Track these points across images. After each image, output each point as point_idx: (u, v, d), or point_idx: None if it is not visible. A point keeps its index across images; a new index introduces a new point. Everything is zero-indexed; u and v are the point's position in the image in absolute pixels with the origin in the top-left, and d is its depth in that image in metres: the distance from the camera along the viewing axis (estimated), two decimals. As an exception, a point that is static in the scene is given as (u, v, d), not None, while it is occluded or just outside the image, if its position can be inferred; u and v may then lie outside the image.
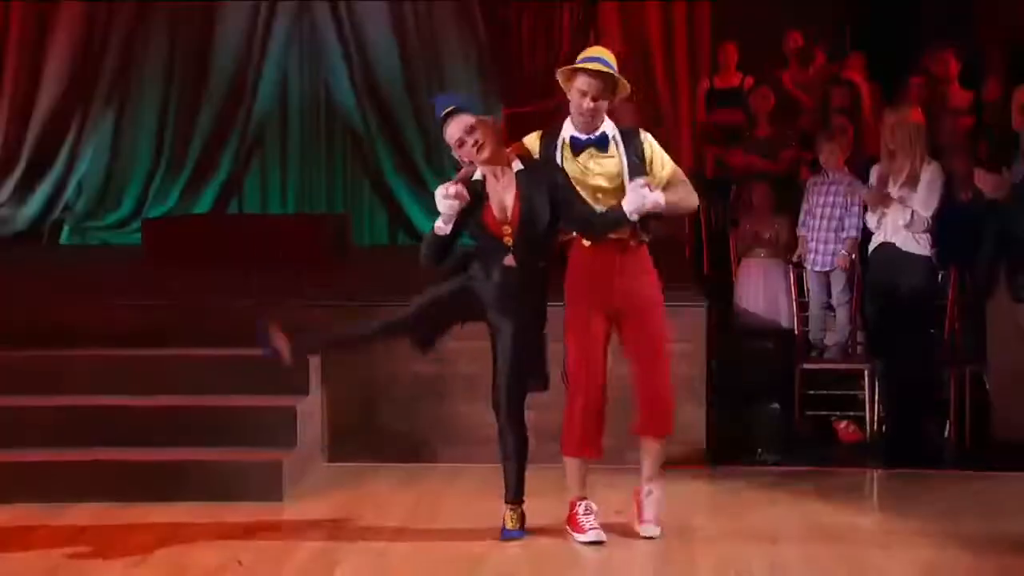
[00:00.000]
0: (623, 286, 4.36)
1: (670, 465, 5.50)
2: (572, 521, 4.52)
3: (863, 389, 6.03)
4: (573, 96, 4.31)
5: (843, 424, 6.14)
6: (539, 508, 4.64)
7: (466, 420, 5.58)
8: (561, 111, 7.37)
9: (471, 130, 4.31)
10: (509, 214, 4.33)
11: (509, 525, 4.52)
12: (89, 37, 9.26)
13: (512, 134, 7.29)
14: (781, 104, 7.99)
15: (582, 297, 4.38)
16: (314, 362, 5.48)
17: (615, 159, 4.32)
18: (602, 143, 4.32)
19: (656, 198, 4.21)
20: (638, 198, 4.19)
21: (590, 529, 4.46)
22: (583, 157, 4.32)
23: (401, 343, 4.65)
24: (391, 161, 9.49)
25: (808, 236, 6.44)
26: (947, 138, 6.62)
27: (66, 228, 9.31)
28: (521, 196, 4.30)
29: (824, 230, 6.37)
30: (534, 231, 4.31)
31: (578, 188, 4.31)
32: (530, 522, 4.61)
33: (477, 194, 4.35)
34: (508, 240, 4.34)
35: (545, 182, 4.29)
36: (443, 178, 9.38)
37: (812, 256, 6.40)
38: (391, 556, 4.41)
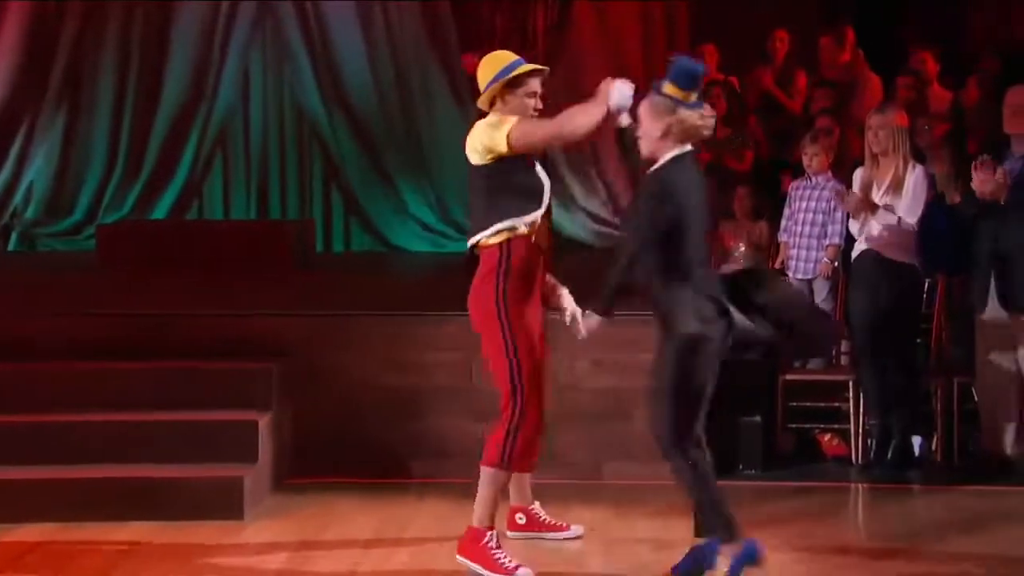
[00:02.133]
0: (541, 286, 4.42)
1: (648, 480, 5.54)
2: (481, 555, 4.29)
3: (847, 401, 6.06)
4: (522, 100, 4.36)
5: (827, 437, 6.17)
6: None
7: (437, 434, 5.59)
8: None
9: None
10: None
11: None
12: (38, 36, 9.18)
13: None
14: (759, 105, 8.05)
15: (525, 300, 4.33)
16: (276, 374, 5.48)
17: None
18: None
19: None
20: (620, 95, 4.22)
21: (516, 567, 4.29)
22: None
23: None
24: (358, 166, 9.48)
25: (790, 243, 6.47)
26: (924, 142, 6.68)
27: (14, 235, 9.23)
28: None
29: (806, 236, 6.40)
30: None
31: None
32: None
33: None
34: None
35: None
36: (415, 186, 9.50)
37: (794, 263, 6.43)
38: (360, 571, 4.39)
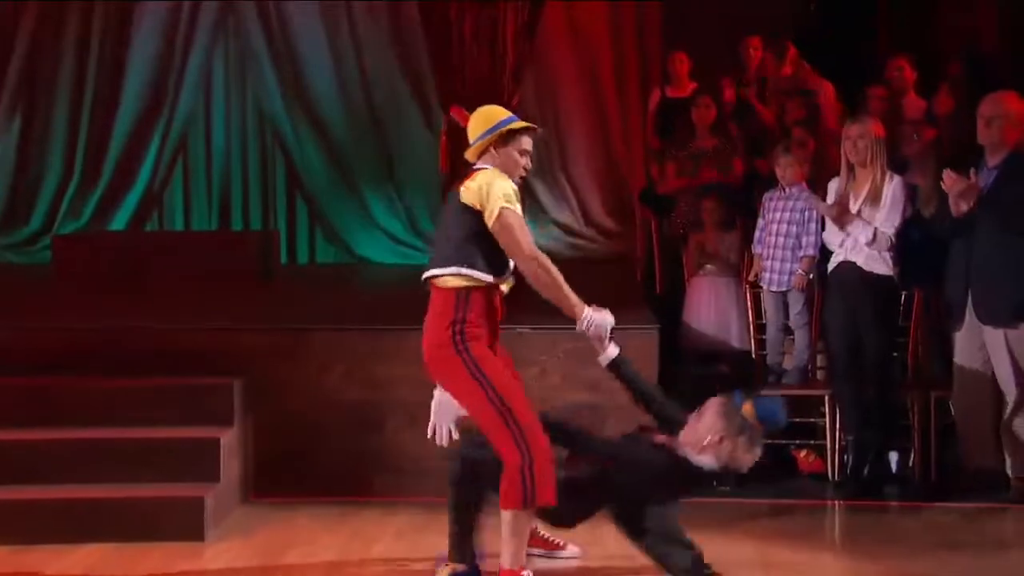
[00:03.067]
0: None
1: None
2: None
3: (823, 416, 6.07)
4: (512, 156, 4.37)
5: (802, 453, 6.17)
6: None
7: (403, 451, 5.55)
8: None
9: None
10: None
11: None
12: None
13: (453, 142, 7.37)
14: (733, 113, 8.06)
15: (488, 345, 4.31)
16: (238, 389, 5.42)
17: None
18: None
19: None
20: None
21: None
22: None
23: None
24: (324, 175, 9.42)
25: (763, 254, 6.48)
26: (912, 151, 6.70)
27: (-35, 246, 9.12)
28: None
29: (780, 248, 6.41)
30: None
31: None
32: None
33: None
34: None
35: None
36: (382, 196, 9.46)
37: (768, 275, 6.44)
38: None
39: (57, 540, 4.84)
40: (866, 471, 5.82)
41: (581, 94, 9.33)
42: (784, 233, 6.39)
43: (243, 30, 9.38)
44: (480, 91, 7.34)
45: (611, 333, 4.38)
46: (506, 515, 4.26)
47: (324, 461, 5.55)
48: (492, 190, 4.26)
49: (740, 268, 6.81)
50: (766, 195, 6.58)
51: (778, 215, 6.42)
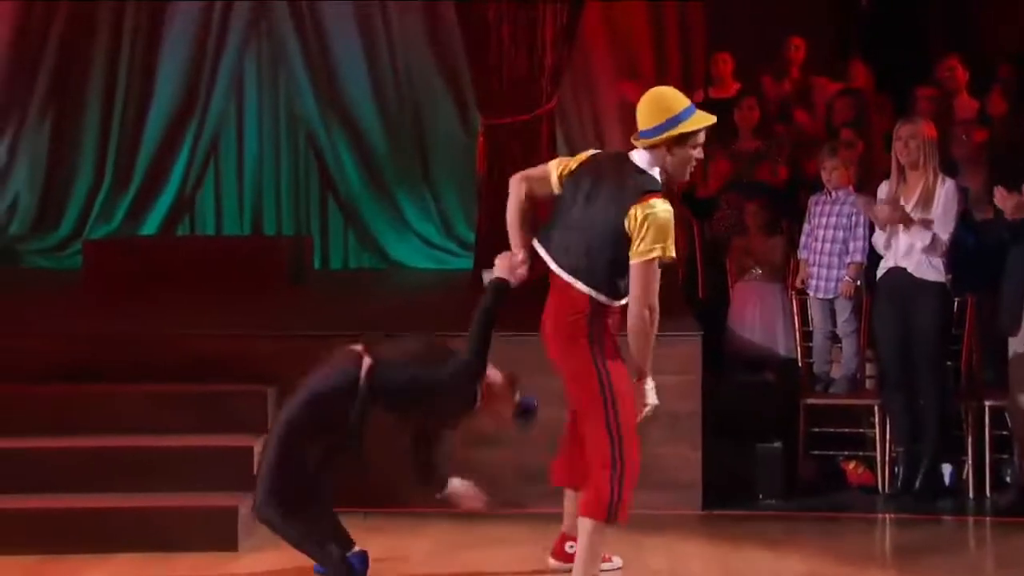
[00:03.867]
0: None
1: (662, 510, 5.48)
2: None
3: (873, 427, 6.01)
4: (687, 152, 4.24)
5: (851, 465, 6.11)
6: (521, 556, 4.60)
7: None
8: (541, 122, 7.41)
9: None
10: None
11: None
12: (22, 40, 9.16)
13: (491, 146, 7.36)
14: (777, 115, 8.01)
15: (615, 354, 4.31)
16: (271, 396, 5.43)
17: None
18: None
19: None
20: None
21: None
22: None
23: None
24: (358, 178, 9.44)
25: (810, 260, 6.43)
26: (962, 153, 6.62)
27: (-4, 251, 9.19)
28: None
29: (827, 254, 6.36)
30: None
31: None
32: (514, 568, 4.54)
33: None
34: None
35: None
36: (416, 199, 9.46)
37: (814, 282, 6.39)
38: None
39: (88, 550, 4.86)
40: (918, 484, 5.76)
41: (621, 95, 9.30)
42: (831, 239, 6.34)
43: (276, 32, 9.42)
44: (517, 93, 7.33)
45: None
46: (586, 524, 4.22)
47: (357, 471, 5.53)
48: (651, 233, 4.14)
49: (786, 274, 6.76)
50: (812, 199, 6.53)
51: (825, 220, 6.37)
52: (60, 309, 6.96)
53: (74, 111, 9.29)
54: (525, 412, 4.42)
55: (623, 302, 4.26)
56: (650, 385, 4.29)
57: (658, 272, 4.21)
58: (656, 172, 4.25)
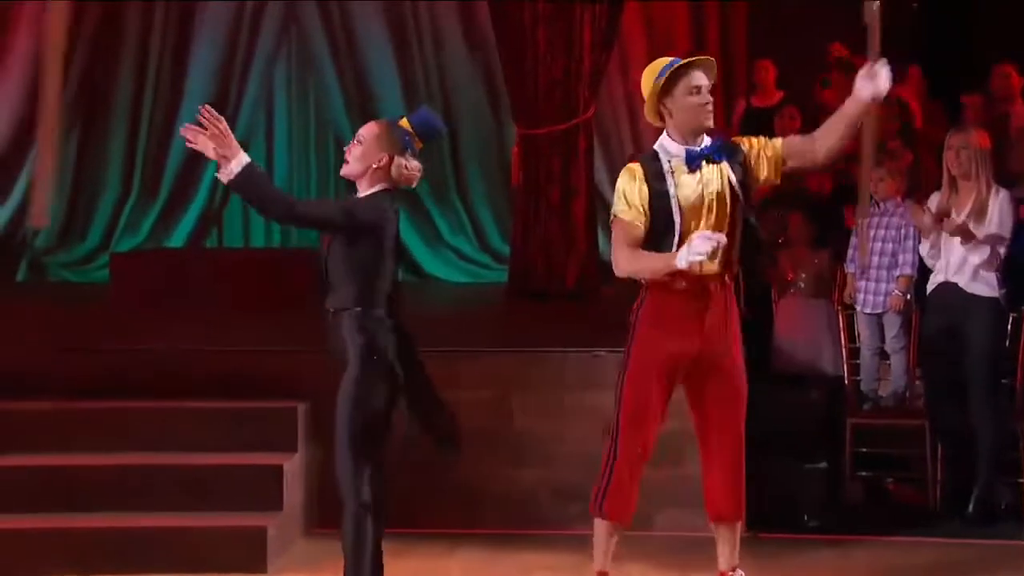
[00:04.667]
0: (710, 333, 4.26)
1: (703, 531, 5.44)
2: None
3: (922, 447, 5.94)
4: (686, 99, 4.19)
5: (900, 486, 6.05)
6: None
7: (470, 482, 5.51)
8: (578, 132, 7.39)
9: (359, 140, 4.30)
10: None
11: None
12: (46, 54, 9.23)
13: (526, 157, 7.35)
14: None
15: (656, 346, 4.24)
16: (302, 413, 5.43)
17: (724, 170, 4.22)
18: (717, 151, 4.21)
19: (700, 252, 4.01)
20: (696, 252, 4.01)
21: None
22: (697, 174, 4.19)
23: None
24: (389, 190, 9.45)
25: (857, 274, 6.38)
26: (1020, 164, 6.55)
27: (23, 264, 9.25)
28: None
29: (875, 267, 6.32)
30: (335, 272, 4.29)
31: (688, 214, 4.17)
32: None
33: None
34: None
35: None
36: (447, 209, 9.48)
37: (862, 296, 6.35)
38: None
39: (117, 569, 4.89)
40: (971, 507, 5.69)
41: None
42: (880, 251, 6.30)
43: (306, 38, 9.46)
44: (554, 100, 7.33)
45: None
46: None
47: (390, 491, 5.52)
48: (616, 193, 4.24)
49: (832, 288, 6.71)
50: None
51: (873, 232, 6.33)
52: (88, 323, 7.00)
53: (101, 122, 9.38)
54: (424, 127, 4.34)
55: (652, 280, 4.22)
56: (680, 255, 4.05)
57: (625, 234, 4.17)
58: (665, 142, 4.26)
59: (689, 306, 4.21)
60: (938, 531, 5.65)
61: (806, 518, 5.74)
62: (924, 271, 6.01)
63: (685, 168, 4.20)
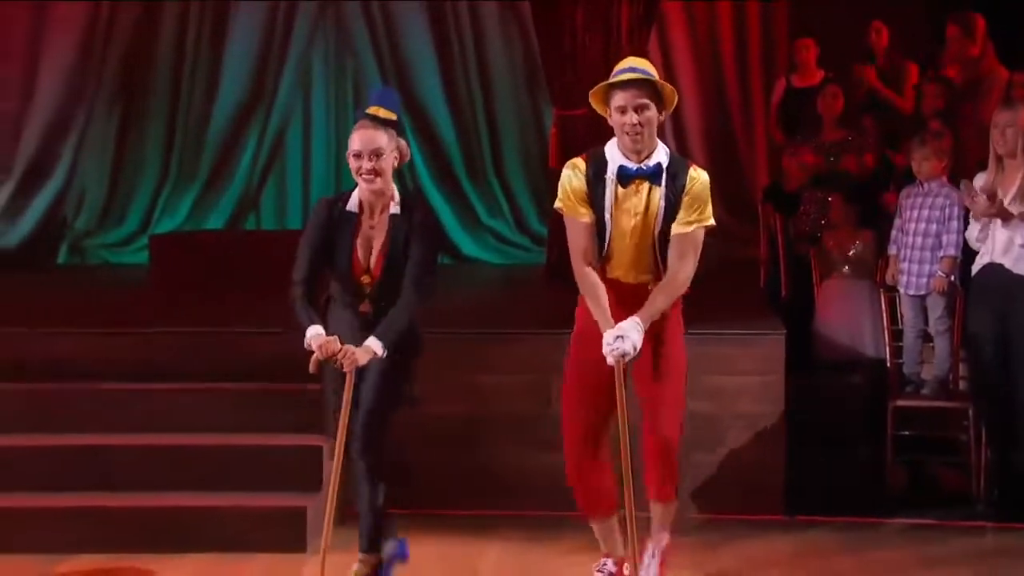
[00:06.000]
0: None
1: (744, 515, 5.46)
2: None
3: (966, 431, 5.92)
4: (614, 118, 4.18)
5: (943, 471, 6.03)
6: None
7: (505, 466, 5.54)
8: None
9: (377, 153, 4.31)
10: (373, 261, 4.36)
11: None
12: (90, 36, 9.32)
13: (564, 138, 7.35)
14: (865, 104, 7.91)
15: (588, 345, 4.24)
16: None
17: (658, 193, 4.20)
18: (655, 176, 4.18)
19: (629, 346, 4.09)
20: (606, 348, 4.11)
21: None
22: (630, 189, 4.20)
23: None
24: (427, 173, 9.49)
25: (900, 255, 6.35)
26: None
27: (64, 246, 9.37)
28: (390, 243, 4.34)
29: (919, 248, 6.27)
30: (394, 280, 4.34)
31: (616, 224, 4.22)
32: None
33: (347, 223, 4.36)
34: (367, 287, 4.37)
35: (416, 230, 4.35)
36: (485, 192, 9.50)
37: (905, 278, 6.31)
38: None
39: (159, 549, 4.95)
40: (1016, 491, 5.66)
41: (700, 84, 9.25)
42: (923, 232, 6.25)
43: (344, 23, 9.49)
44: (592, 82, 7.30)
45: None
46: None
47: (427, 473, 5.57)
48: (560, 184, 4.30)
49: (875, 270, 6.68)
50: (903, 191, 6.45)
51: (916, 213, 6.29)
52: (128, 305, 7.09)
53: (141, 107, 9.44)
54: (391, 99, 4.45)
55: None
56: (606, 338, 4.15)
57: (571, 228, 4.24)
58: (611, 149, 4.24)
59: (617, 310, 4.20)
60: (982, 516, 5.64)
61: (847, 502, 5.73)
62: (968, 251, 5.97)
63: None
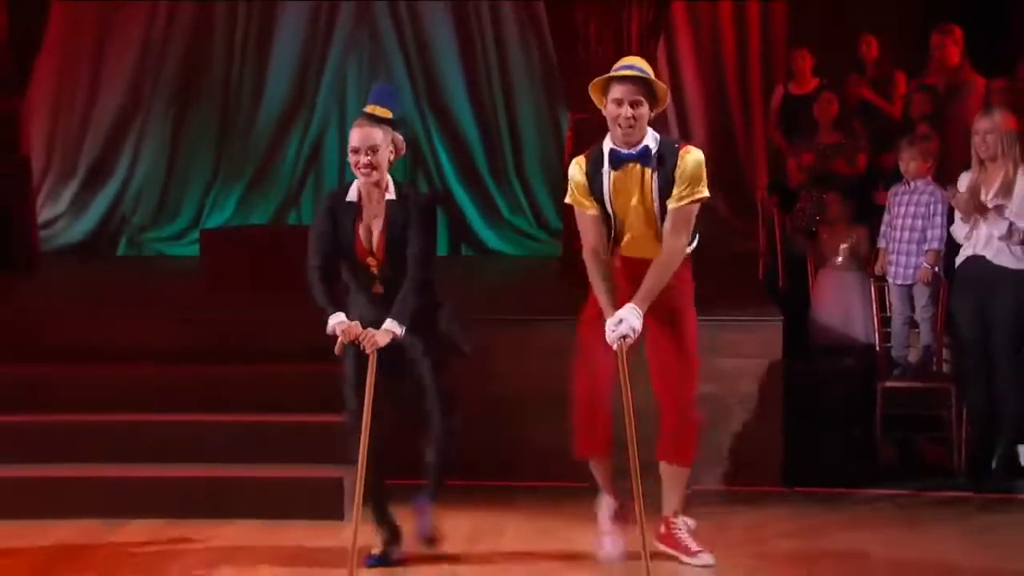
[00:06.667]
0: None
1: (746, 487, 5.47)
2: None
3: (950, 409, 5.91)
4: (609, 108, 4.28)
5: (927, 445, 6.02)
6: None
7: (530, 442, 5.54)
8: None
9: (373, 149, 4.34)
10: (375, 244, 4.39)
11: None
12: (148, 43, 9.35)
13: (579, 141, 7.35)
14: (857, 110, 7.90)
15: (599, 321, 4.32)
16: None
17: (649, 173, 4.28)
18: (644, 157, 4.27)
19: (628, 329, 4.18)
20: (609, 333, 4.21)
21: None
22: (622, 171, 4.28)
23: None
24: (454, 172, 9.51)
25: (888, 248, 6.35)
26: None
27: (123, 240, 9.42)
28: (389, 226, 4.37)
29: (905, 242, 6.26)
30: (397, 260, 4.37)
31: (617, 206, 4.31)
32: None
33: (348, 212, 4.41)
34: (374, 269, 4.41)
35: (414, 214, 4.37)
36: (507, 190, 9.50)
37: (893, 269, 6.30)
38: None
39: (206, 515, 5.00)
40: (994, 464, 5.65)
41: (703, 88, 9.24)
42: (909, 227, 6.24)
43: (377, 34, 9.49)
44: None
45: None
46: None
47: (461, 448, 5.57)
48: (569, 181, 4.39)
49: (866, 262, 6.68)
50: (891, 190, 6.45)
51: (903, 209, 6.28)
52: (182, 294, 7.13)
53: (193, 109, 9.46)
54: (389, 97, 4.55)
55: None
56: (607, 324, 4.25)
57: (580, 218, 4.36)
58: (607, 141, 4.33)
59: (627, 285, 4.30)
60: (962, 486, 5.63)
61: (840, 475, 5.73)
62: (951, 245, 5.96)
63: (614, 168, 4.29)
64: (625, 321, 4.18)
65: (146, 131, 9.39)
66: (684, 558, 4.49)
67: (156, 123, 9.42)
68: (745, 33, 9.20)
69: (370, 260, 4.39)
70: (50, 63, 8.57)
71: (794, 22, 8.89)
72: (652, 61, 7.54)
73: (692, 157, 4.27)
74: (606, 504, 4.58)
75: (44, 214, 9.03)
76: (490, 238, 9.39)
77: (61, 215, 9.31)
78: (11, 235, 7.54)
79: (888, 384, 6.09)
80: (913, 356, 6.28)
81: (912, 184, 6.28)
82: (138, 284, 7.75)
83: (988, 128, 5.59)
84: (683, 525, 4.52)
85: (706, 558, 4.47)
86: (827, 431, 6.18)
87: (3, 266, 7.42)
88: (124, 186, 9.37)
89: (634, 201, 4.29)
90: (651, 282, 4.24)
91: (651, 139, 4.29)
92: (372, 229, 4.39)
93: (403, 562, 4.53)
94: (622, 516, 4.57)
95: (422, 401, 4.45)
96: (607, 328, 4.21)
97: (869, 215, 6.95)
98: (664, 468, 4.49)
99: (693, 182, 4.25)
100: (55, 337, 5.81)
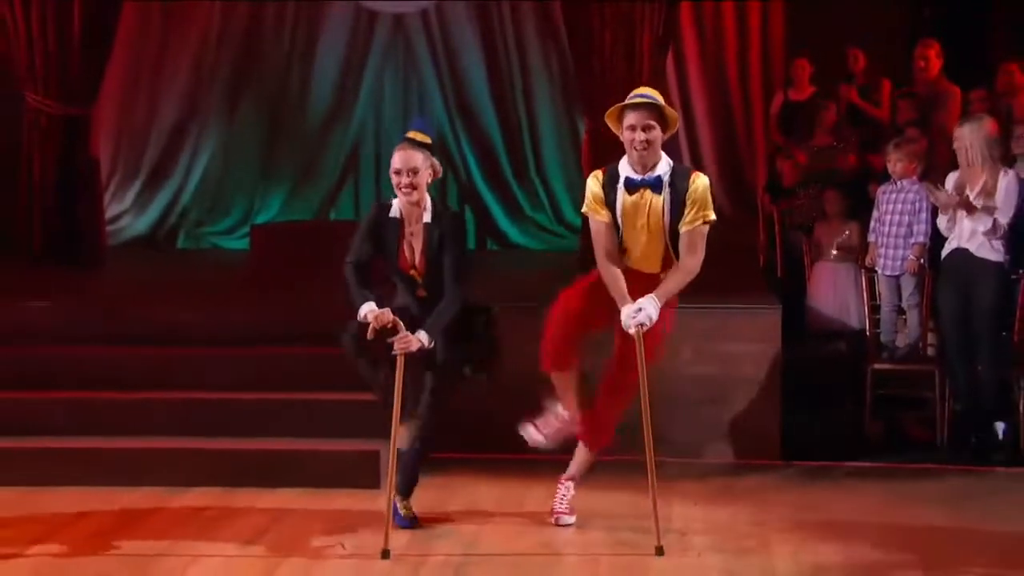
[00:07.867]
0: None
1: (747, 460, 5.45)
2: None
3: (934, 390, 5.87)
4: (625, 134, 4.27)
5: (913, 423, 5.98)
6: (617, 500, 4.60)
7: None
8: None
9: (414, 171, 4.35)
10: (417, 260, 4.44)
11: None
12: (204, 45, 9.34)
13: (595, 147, 7.33)
14: (848, 115, 7.86)
15: (596, 288, 4.36)
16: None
17: (661, 199, 4.28)
18: (656, 186, 4.27)
19: (645, 317, 4.18)
20: (628, 319, 4.21)
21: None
22: (635, 196, 4.29)
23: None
24: (479, 172, 9.50)
25: (878, 242, 6.31)
26: (1019, 147, 6.39)
27: (181, 233, 9.46)
28: (427, 247, 4.40)
29: (893, 236, 6.24)
30: (437, 271, 4.41)
31: (626, 224, 4.30)
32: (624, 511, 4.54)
33: (393, 227, 4.44)
34: (417, 278, 4.47)
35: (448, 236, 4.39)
36: (528, 188, 9.47)
37: (882, 261, 6.28)
38: (482, 540, 4.43)
39: (257, 484, 5.03)
40: (974, 439, 5.61)
41: (707, 93, 9.21)
42: (897, 223, 6.22)
43: (410, 44, 9.47)
44: (618, 96, 7.25)
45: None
46: None
47: (486, 424, 5.57)
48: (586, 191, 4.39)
49: (858, 254, 6.64)
50: (880, 188, 6.43)
51: (891, 206, 6.26)
52: (236, 282, 7.16)
53: (243, 115, 9.48)
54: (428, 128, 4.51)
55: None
56: (625, 311, 4.25)
57: (596, 231, 4.33)
58: (623, 163, 4.33)
59: (634, 294, 4.29)
60: (945, 460, 5.60)
61: (833, 449, 5.70)
62: (935, 238, 5.92)
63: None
64: (644, 310, 4.19)
65: (202, 134, 9.41)
66: (550, 518, 4.60)
67: (211, 127, 9.44)
68: (747, 43, 9.14)
69: (413, 272, 4.47)
70: (116, 68, 8.55)
71: (791, 32, 8.84)
72: (661, 71, 7.52)
73: (701, 182, 4.29)
74: (558, 409, 4.57)
75: (110, 211, 9.07)
76: (513, 233, 9.38)
77: (125, 212, 9.37)
78: (82, 231, 7.57)
79: (877, 367, 6.06)
80: (901, 341, 6.25)
81: (899, 183, 6.25)
82: (196, 273, 7.78)
83: (967, 136, 5.55)
84: (566, 490, 4.61)
85: (565, 520, 4.58)
86: (821, 410, 6.15)
87: (75, 260, 7.46)
88: (182, 185, 9.41)
89: (640, 224, 4.30)
90: (670, 284, 4.28)
91: (664, 165, 4.29)
92: (414, 246, 4.44)
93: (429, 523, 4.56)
94: (565, 427, 4.57)
95: (415, 403, 4.49)
96: (624, 314, 4.21)
97: (862, 211, 6.91)
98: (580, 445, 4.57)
99: (702, 206, 4.27)
100: (124, 322, 5.84)
